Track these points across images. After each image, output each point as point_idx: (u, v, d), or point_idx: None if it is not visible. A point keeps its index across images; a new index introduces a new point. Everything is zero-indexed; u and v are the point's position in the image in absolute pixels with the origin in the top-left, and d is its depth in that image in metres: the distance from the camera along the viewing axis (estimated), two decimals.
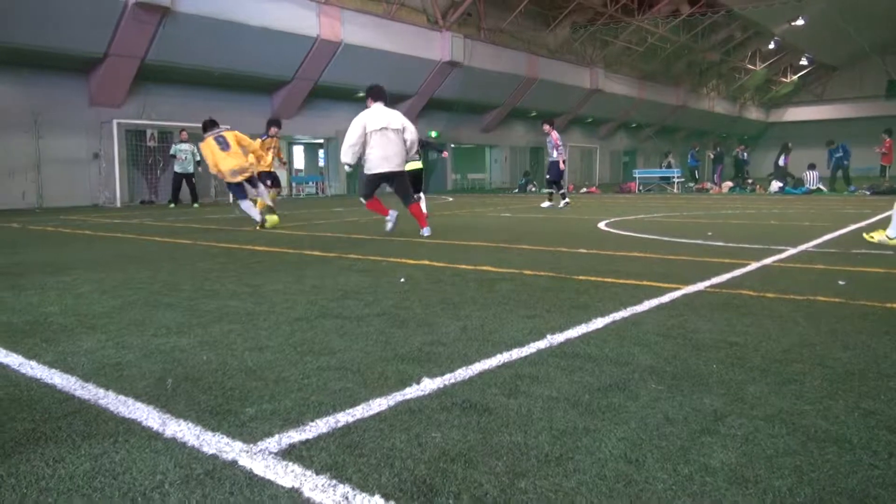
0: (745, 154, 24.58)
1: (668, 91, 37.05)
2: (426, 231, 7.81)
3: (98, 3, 14.84)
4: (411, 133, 7.73)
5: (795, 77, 46.58)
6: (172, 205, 16.35)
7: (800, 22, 33.39)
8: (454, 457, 1.71)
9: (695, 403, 2.07)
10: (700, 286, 4.08)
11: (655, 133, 40.09)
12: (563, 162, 13.89)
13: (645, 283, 4.23)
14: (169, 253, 6.57)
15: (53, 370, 2.52)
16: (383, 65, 21.46)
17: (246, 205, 9.25)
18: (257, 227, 9.04)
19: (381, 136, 7.44)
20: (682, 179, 24.24)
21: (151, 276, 4.86)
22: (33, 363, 2.62)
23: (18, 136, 16.12)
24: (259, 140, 12.49)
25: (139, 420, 2.01)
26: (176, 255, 6.34)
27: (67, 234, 9.08)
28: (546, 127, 13.99)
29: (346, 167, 7.79)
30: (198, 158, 16.43)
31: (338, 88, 21.94)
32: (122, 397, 2.21)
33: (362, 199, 8.13)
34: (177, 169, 16.59)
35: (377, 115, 7.50)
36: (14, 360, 2.67)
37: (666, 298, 3.71)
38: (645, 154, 40.70)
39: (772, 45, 39.67)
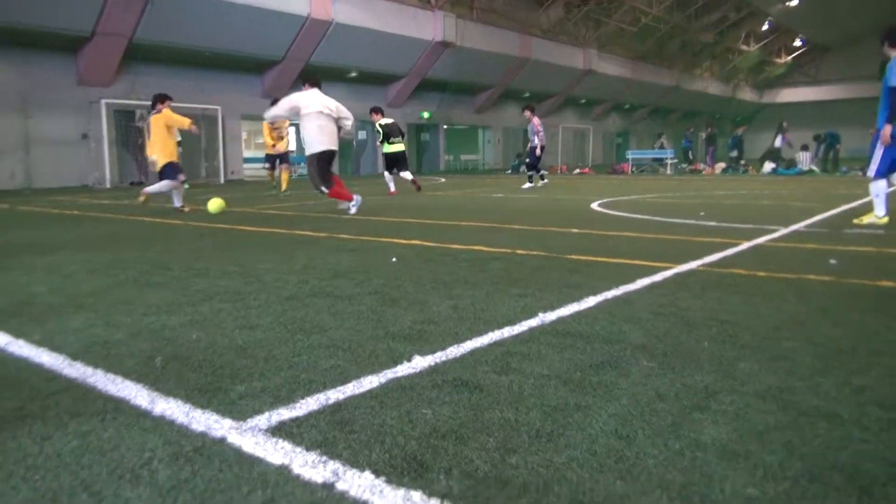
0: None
1: (662, 72, 36.93)
2: (342, 205, 8.34)
3: None
4: (347, 116, 8.26)
5: (789, 58, 46.49)
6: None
7: (793, 2, 33.28)
8: (445, 433, 1.70)
9: (686, 380, 2.07)
10: (692, 265, 4.08)
11: (649, 114, 40.00)
12: (541, 148, 14.33)
13: (637, 262, 4.22)
14: (158, 233, 6.52)
15: (41, 349, 2.49)
16: (375, 44, 21.27)
17: (156, 186, 8.88)
18: (141, 199, 8.79)
19: (318, 117, 7.89)
20: (675, 160, 24.23)
21: (140, 256, 4.83)
22: (21, 342, 2.59)
23: (7, 117, 15.93)
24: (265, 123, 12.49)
25: (128, 398, 1.99)
26: (165, 236, 6.29)
27: (56, 214, 9.00)
28: (527, 113, 14.33)
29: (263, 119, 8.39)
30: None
31: (330, 68, 21.73)
32: (110, 375, 2.19)
33: (323, 190, 8.13)
34: None
35: (314, 98, 7.94)
36: (1, 339, 2.64)
37: (658, 277, 3.71)
38: (638, 135, 40.66)
39: (766, 26, 39.57)
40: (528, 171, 14.70)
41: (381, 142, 12.27)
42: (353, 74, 23.15)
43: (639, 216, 7.47)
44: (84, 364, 2.31)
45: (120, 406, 1.94)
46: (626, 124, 40.60)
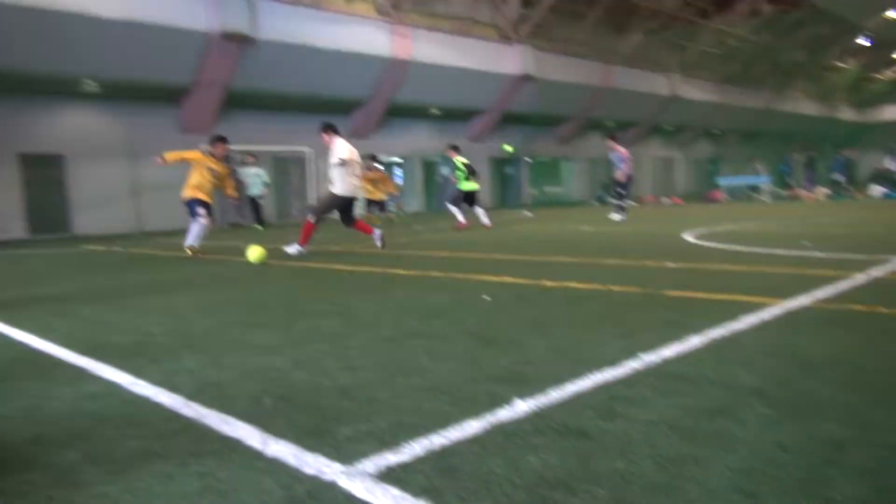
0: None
1: (751, 94, 35.63)
2: (377, 235, 8.55)
3: (184, 35, 15.70)
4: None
5: (892, 72, 43.80)
6: (260, 227, 16.68)
7: (893, 13, 31.49)
8: (553, 483, 1.67)
9: (810, 430, 1.94)
10: (802, 300, 3.86)
11: (740, 138, 38.59)
12: (627, 176, 14.03)
13: (740, 297, 4.04)
14: (259, 274, 6.81)
15: (161, 389, 2.63)
16: (456, 81, 21.68)
17: (190, 234, 9.00)
18: (189, 253, 8.87)
19: (355, 166, 8.49)
20: (772, 186, 23.19)
21: (245, 297, 5.05)
22: (142, 382, 2.74)
23: (118, 165, 17.22)
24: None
25: (241, 439, 2.06)
26: (266, 276, 6.56)
27: (164, 256, 9.57)
28: (609, 142, 14.26)
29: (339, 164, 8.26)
30: (265, 180, 16.86)
31: (413, 107, 22.29)
32: (224, 416, 2.28)
33: (311, 217, 8.40)
34: (248, 193, 16.82)
35: (351, 148, 8.45)
36: (125, 378, 2.81)
37: (766, 314, 3.52)
38: (730, 161, 39.24)
39: (863, 41, 37.56)
40: (616, 201, 14.46)
41: (462, 179, 13.21)
42: (436, 111, 23.62)
43: (737, 247, 7.17)
44: (199, 404, 2.42)
45: (235, 447, 2.01)
46: (717, 150, 39.30)
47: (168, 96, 17.50)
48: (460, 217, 12.86)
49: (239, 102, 18.49)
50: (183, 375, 2.83)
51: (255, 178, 16.85)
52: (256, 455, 1.94)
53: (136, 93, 16.94)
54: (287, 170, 21.00)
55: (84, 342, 3.59)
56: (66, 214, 16.83)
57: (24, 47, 13.84)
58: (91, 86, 16.20)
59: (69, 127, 16.78)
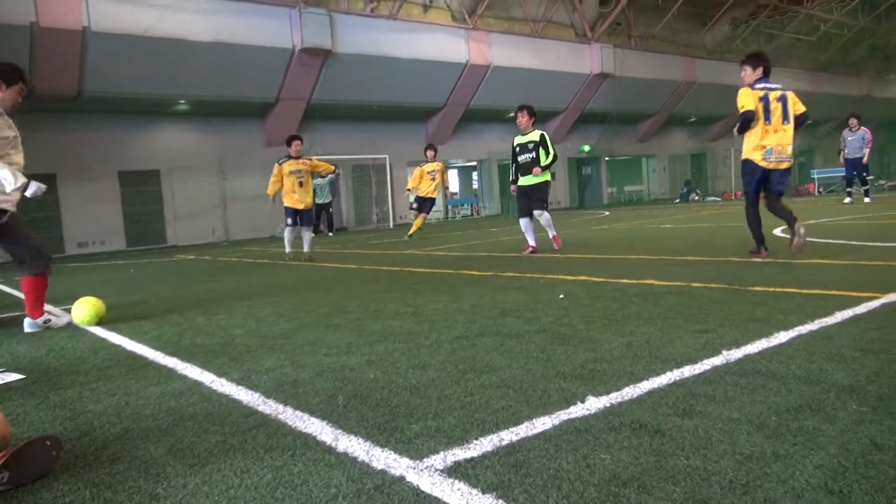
0: None
1: (849, 81, 33.56)
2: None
3: (269, 53, 16.32)
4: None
5: None
6: (314, 234, 16.98)
7: None
8: (626, 480, 1.61)
9: None
10: None
11: (835, 128, 36.40)
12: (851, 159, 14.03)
13: (835, 292, 3.79)
14: (337, 277, 6.97)
15: (240, 387, 2.73)
16: (532, 83, 21.52)
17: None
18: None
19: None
20: (872, 177, 21.72)
21: (322, 299, 5.17)
22: (223, 380, 2.85)
23: (208, 178, 18.10)
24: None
25: (314, 434, 2.11)
26: (343, 279, 6.70)
27: (249, 263, 9.95)
28: (854, 121, 13.83)
29: None
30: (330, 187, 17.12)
31: (488, 110, 22.30)
32: (298, 413, 2.34)
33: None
34: (317, 200, 17.17)
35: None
36: (207, 377, 2.93)
37: (862, 309, 3.29)
38: (823, 152, 37.06)
39: None
40: (865, 184, 14.40)
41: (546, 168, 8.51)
42: (512, 115, 23.53)
43: (832, 241, 6.76)
44: (276, 401, 2.49)
45: (307, 442, 2.05)
46: (810, 141, 37.19)
47: (254, 112, 18.26)
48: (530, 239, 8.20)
49: (320, 114, 19.06)
50: (261, 374, 2.92)
51: (321, 187, 16.85)
52: (328, 450, 1.97)
53: (224, 109, 17.76)
54: (367, 177, 21.47)
55: (172, 344, 3.77)
56: (161, 226, 17.83)
57: (121, 72, 14.76)
58: (183, 105, 17.12)
59: (163, 144, 17.79)
